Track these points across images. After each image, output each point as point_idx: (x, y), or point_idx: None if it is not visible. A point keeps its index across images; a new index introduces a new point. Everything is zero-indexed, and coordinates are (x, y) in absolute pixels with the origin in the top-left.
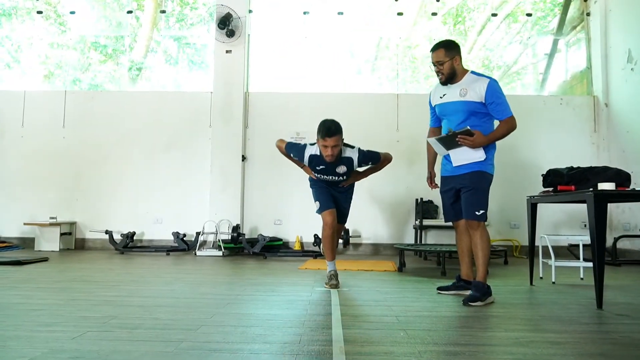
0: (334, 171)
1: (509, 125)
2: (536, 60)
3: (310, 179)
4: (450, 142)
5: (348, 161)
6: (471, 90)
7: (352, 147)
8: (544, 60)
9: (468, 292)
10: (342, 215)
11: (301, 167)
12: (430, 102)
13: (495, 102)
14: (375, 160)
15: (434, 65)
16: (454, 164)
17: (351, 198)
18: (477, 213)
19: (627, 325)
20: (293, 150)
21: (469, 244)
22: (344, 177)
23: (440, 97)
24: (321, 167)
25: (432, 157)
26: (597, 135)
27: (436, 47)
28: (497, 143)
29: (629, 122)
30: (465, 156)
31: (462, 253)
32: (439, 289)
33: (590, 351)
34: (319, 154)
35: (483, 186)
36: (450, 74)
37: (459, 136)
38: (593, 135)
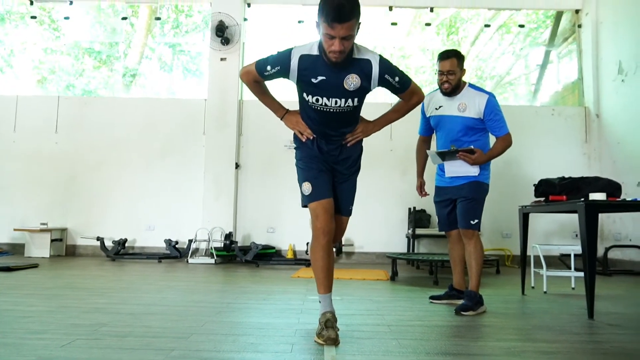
0: (341, 85)
1: (506, 143)
2: (528, 71)
3: (298, 151)
4: (448, 156)
5: (364, 67)
6: (470, 106)
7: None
8: (536, 71)
9: (460, 302)
10: (344, 203)
11: (276, 112)
12: (423, 110)
13: (494, 118)
14: (404, 86)
15: (442, 74)
16: (447, 175)
17: (356, 176)
18: (472, 222)
19: (618, 336)
20: (270, 63)
21: (461, 254)
22: (355, 103)
23: (436, 109)
24: (320, 77)
25: (421, 166)
26: (589, 145)
27: (448, 56)
28: None
29: (620, 133)
30: (460, 169)
31: (455, 262)
32: (432, 298)
33: None
34: (316, 53)
35: (480, 196)
36: (456, 86)
37: (460, 153)
38: (584, 145)
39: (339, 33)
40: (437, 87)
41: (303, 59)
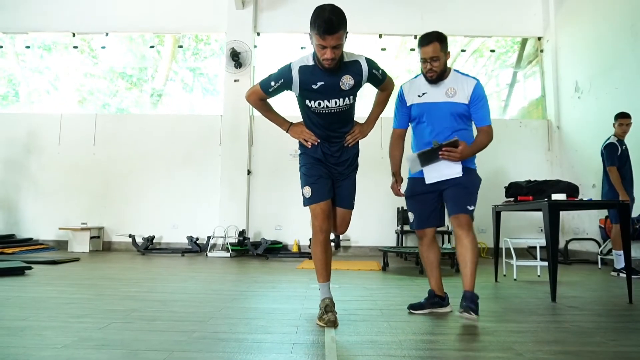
0: (338, 86)
1: (489, 136)
2: (499, 89)
3: (302, 157)
4: (431, 156)
5: (355, 68)
6: (459, 91)
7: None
8: (506, 89)
9: (444, 310)
10: (347, 198)
11: (282, 125)
12: (402, 99)
13: (480, 105)
14: (384, 76)
15: (426, 62)
16: (427, 182)
17: (355, 174)
18: (468, 207)
19: (577, 316)
20: (274, 79)
21: (437, 256)
22: (350, 100)
23: (419, 96)
24: (319, 83)
25: (397, 163)
26: (551, 153)
27: (429, 41)
28: None
29: (577, 142)
30: (441, 172)
31: (432, 266)
32: (411, 308)
33: (546, 339)
34: (312, 63)
35: (475, 183)
36: (442, 72)
37: (444, 148)
38: (547, 153)
39: (330, 43)
40: (415, 75)
41: (302, 69)
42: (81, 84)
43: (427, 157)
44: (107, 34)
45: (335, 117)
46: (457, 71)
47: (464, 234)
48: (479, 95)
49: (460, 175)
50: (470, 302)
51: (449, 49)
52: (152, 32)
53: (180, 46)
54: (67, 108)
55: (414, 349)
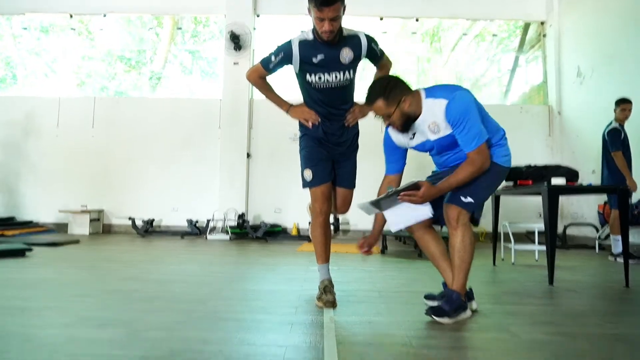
0: (337, 59)
1: (475, 164)
2: (500, 74)
3: (302, 140)
4: (388, 201)
5: (354, 42)
6: (440, 122)
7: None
8: (507, 74)
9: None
10: (348, 178)
11: (281, 106)
12: (390, 143)
13: (458, 130)
14: (382, 53)
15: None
16: (394, 229)
17: (356, 154)
18: (462, 198)
19: (573, 299)
20: (274, 54)
21: (438, 245)
22: (350, 75)
23: (411, 139)
24: (319, 56)
25: (381, 222)
26: (552, 138)
27: (372, 100)
28: None
29: (578, 127)
30: (407, 217)
31: (434, 259)
32: (426, 297)
33: (543, 320)
34: (311, 37)
35: (486, 174)
36: (405, 122)
37: (401, 194)
38: (548, 138)
39: (328, 15)
40: None
41: (302, 44)
42: (79, 66)
43: (384, 202)
44: (104, 15)
45: (335, 92)
46: (429, 94)
47: (451, 231)
48: (453, 119)
49: (430, 216)
50: (447, 303)
51: (403, 97)
52: (151, 13)
53: (179, 28)
54: (65, 91)
55: (411, 329)
